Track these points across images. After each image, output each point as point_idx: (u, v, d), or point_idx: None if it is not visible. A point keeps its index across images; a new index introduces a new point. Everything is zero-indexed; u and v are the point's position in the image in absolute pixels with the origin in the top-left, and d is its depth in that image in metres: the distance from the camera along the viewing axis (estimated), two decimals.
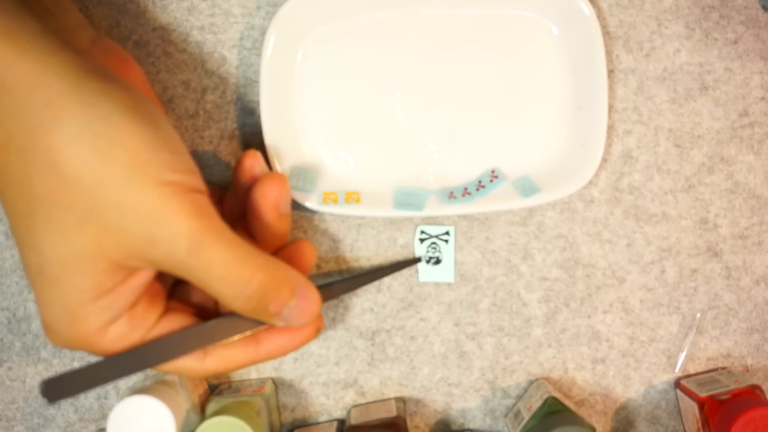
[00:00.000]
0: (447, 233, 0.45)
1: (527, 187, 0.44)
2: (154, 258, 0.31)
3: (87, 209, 0.30)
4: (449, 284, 0.46)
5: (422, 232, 0.45)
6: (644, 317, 0.47)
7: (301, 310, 0.35)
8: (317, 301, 0.35)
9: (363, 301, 0.46)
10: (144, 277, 0.32)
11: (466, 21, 0.44)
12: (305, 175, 0.43)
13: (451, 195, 0.44)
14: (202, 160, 0.45)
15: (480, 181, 0.44)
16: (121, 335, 0.33)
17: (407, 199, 0.44)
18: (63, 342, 0.32)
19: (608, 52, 0.45)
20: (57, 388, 0.32)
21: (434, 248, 0.45)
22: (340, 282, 0.41)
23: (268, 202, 0.37)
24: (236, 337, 0.35)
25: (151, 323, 0.34)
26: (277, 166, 0.43)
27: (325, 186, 0.44)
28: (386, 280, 0.46)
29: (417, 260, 0.45)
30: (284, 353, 0.37)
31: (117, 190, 0.30)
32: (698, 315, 0.47)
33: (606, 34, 0.45)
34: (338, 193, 0.44)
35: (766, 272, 0.47)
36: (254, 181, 0.38)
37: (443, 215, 0.45)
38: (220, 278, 0.32)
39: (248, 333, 0.36)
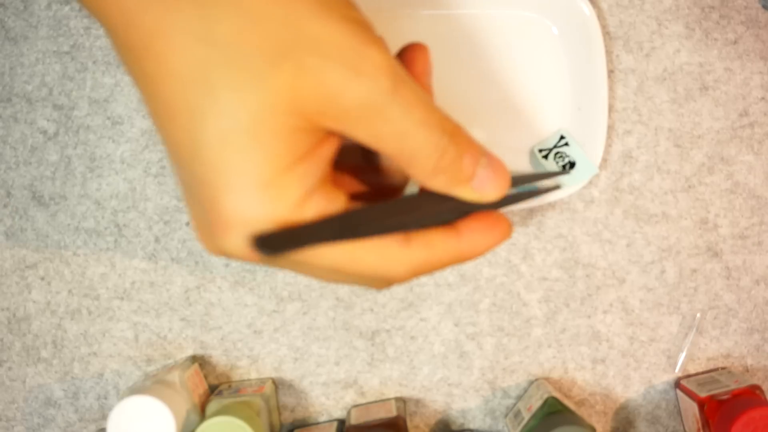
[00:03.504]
0: (562, 138, 0.44)
1: (527, 187, 0.44)
2: (349, 104, 0.26)
3: (280, 44, 0.25)
4: (449, 284, 0.46)
5: (539, 150, 0.44)
6: (644, 317, 0.47)
7: (492, 173, 0.30)
8: (504, 168, 0.31)
9: (363, 301, 0.46)
10: (333, 144, 0.28)
11: (466, 21, 0.44)
12: None
13: None
14: None
15: None
16: (320, 211, 0.27)
17: None
18: (249, 230, 0.26)
19: (608, 52, 0.45)
20: (274, 241, 0.26)
21: (561, 157, 0.44)
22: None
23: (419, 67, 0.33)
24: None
25: (344, 200, 0.29)
26: None
27: None
28: None
29: (564, 171, 0.43)
30: (484, 250, 0.32)
31: (312, 20, 0.26)
32: (698, 315, 0.47)
33: (606, 34, 0.45)
34: None
35: (766, 272, 0.47)
36: None
37: None
38: (422, 121, 0.28)
39: (450, 215, 0.31)
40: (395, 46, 0.44)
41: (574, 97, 0.45)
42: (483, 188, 0.31)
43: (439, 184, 0.30)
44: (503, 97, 0.45)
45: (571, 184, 0.44)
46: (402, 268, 0.29)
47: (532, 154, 0.45)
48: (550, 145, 0.44)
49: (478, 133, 0.45)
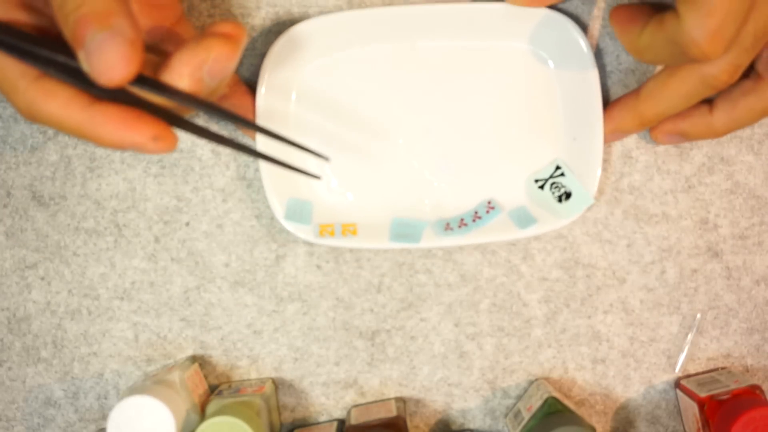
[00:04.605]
0: (557, 168, 0.44)
1: (523, 218, 0.44)
2: None
3: None
4: (449, 284, 0.46)
5: (535, 180, 0.44)
6: (644, 317, 0.47)
7: (98, 51, 0.27)
8: (130, 55, 0.28)
9: (363, 301, 0.46)
10: None
11: (462, 52, 0.44)
12: (301, 207, 0.43)
13: (447, 226, 0.44)
14: (201, 161, 0.45)
15: (476, 212, 0.44)
16: None
17: (404, 230, 0.44)
18: None
19: (608, 53, 0.45)
20: None
21: (557, 187, 0.44)
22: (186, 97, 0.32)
23: None
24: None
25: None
26: (274, 199, 0.43)
27: (321, 218, 0.44)
28: (386, 281, 0.46)
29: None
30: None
31: None
32: (698, 315, 0.47)
33: (606, 34, 0.45)
34: (335, 225, 0.44)
35: (766, 272, 0.47)
36: None
37: (440, 247, 0.45)
38: None
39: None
40: (391, 78, 0.44)
41: (569, 127, 0.44)
42: (88, 62, 0.28)
43: (66, 34, 0.29)
44: (499, 127, 0.45)
45: (567, 215, 0.44)
46: None
47: (527, 184, 0.45)
48: (546, 176, 0.45)
49: (474, 162, 0.45)
